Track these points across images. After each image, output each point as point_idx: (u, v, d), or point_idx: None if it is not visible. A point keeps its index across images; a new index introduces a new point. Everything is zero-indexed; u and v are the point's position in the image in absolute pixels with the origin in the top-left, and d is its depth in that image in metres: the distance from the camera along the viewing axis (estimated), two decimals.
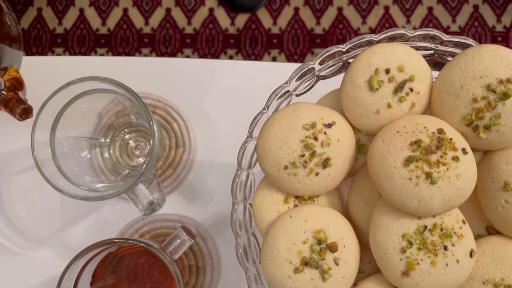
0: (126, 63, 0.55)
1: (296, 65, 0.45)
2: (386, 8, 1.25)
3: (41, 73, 0.55)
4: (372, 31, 1.25)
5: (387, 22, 1.25)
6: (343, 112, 0.35)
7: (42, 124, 0.41)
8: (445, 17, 1.24)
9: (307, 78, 0.37)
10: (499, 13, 1.23)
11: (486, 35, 1.23)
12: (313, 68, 0.36)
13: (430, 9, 1.24)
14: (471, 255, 0.31)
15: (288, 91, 0.36)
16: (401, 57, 0.32)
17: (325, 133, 0.33)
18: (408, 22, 1.24)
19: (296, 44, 1.25)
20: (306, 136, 0.33)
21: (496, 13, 1.23)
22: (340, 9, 1.26)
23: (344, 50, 0.35)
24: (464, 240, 0.31)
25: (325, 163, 0.33)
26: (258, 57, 1.26)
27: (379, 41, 0.35)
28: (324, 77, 0.38)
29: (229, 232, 0.51)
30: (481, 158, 0.35)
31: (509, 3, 1.23)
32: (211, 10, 1.28)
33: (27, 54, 1.30)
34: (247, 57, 1.26)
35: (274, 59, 1.25)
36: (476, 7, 1.24)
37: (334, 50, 0.35)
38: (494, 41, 1.23)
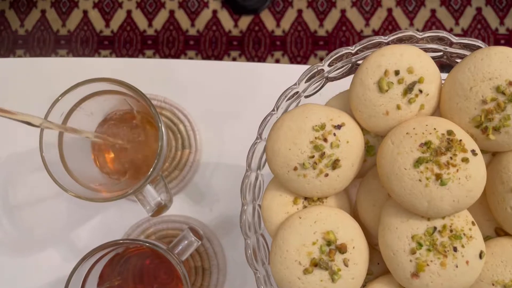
0: (131, 64, 0.55)
1: (302, 67, 0.45)
2: (389, 11, 1.25)
3: (46, 75, 0.55)
4: (375, 33, 1.25)
5: (390, 24, 1.25)
6: (352, 114, 0.35)
7: None
8: (448, 20, 1.24)
9: (316, 79, 0.37)
10: (502, 15, 1.23)
11: (489, 37, 1.23)
12: (322, 70, 0.36)
13: (433, 11, 1.25)
14: (480, 256, 0.31)
15: (297, 92, 0.36)
16: (410, 58, 0.33)
17: (334, 134, 0.33)
18: (411, 24, 1.24)
19: (299, 46, 1.25)
20: (315, 138, 0.33)
21: (499, 16, 1.23)
22: (343, 12, 1.26)
23: (353, 52, 0.35)
24: (474, 241, 0.31)
25: (335, 164, 0.33)
26: (261, 59, 1.26)
27: (388, 43, 0.35)
28: (333, 79, 0.38)
29: (235, 233, 0.52)
30: (490, 160, 0.35)
31: None
32: (214, 12, 1.28)
33: (31, 56, 1.30)
34: (250, 59, 1.26)
35: (277, 61, 1.25)
36: (479, 9, 1.24)
37: (343, 52, 0.35)
38: (497, 43, 1.23)
